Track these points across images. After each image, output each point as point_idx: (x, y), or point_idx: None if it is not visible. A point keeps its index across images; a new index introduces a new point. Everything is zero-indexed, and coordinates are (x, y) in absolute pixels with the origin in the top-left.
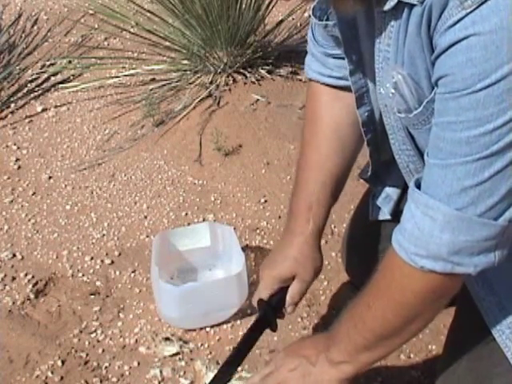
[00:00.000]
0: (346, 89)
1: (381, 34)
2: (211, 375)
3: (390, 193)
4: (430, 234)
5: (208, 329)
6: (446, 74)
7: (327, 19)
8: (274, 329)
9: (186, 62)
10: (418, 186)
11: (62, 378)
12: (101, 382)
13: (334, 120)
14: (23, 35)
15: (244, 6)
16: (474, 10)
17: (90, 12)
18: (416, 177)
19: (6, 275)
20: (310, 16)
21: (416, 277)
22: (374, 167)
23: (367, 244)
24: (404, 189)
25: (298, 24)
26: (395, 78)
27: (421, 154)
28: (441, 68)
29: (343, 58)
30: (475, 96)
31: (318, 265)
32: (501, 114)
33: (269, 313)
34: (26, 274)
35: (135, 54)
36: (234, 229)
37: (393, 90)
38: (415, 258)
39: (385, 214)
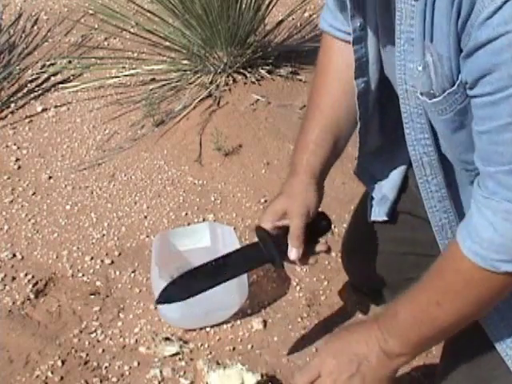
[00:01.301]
0: None
1: (401, 15)
2: (212, 374)
3: (386, 193)
4: None
5: (208, 329)
6: (490, 71)
7: None
8: (277, 264)
9: (186, 61)
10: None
11: (61, 378)
12: (101, 382)
13: (346, 66)
14: (23, 35)
15: (244, 5)
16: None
17: (90, 12)
18: (477, 181)
19: (5, 275)
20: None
21: (495, 279)
22: (361, 149)
23: (367, 245)
24: (400, 189)
25: (298, 24)
26: (427, 58)
27: (437, 144)
28: (481, 64)
29: None
30: None
31: (310, 201)
32: None
33: (269, 242)
34: (26, 274)
35: (135, 54)
36: (234, 229)
37: (420, 68)
38: (497, 263)
39: (382, 215)
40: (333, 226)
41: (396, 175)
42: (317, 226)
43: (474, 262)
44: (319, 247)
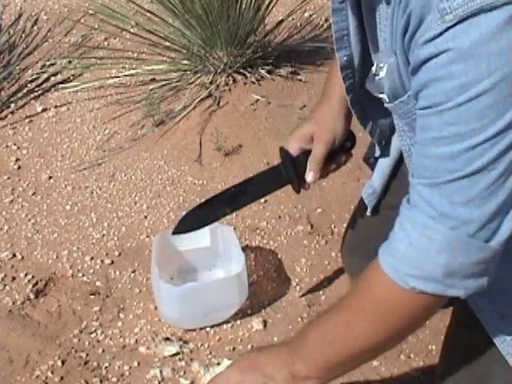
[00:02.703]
0: None
1: (380, 15)
2: (209, 376)
3: (376, 186)
4: (427, 254)
5: (208, 329)
6: (426, 86)
7: None
8: (296, 188)
9: (186, 61)
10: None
11: (61, 378)
12: (101, 382)
13: None
14: (23, 35)
15: (244, 6)
16: (455, 24)
17: (90, 12)
18: (407, 196)
19: (6, 275)
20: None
21: (405, 298)
22: (357, 113)
23: (367, 244)
24: (388, 183)
25: (298, 24)
26: (391, 60)
27: None
28: (421, 80)
29: None
30: (457, 111)
31: (338, 129)
32: (483, 130)
33: (288, 163)
34: (26, 274)
35: (135, 54)
36: (234, 229)
37: (384, 72)
38: (407, 278)
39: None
40: (333, 226)
41: (386, 166)
42: (340, 147)
43: (389, 277)
44: (338, 161)
